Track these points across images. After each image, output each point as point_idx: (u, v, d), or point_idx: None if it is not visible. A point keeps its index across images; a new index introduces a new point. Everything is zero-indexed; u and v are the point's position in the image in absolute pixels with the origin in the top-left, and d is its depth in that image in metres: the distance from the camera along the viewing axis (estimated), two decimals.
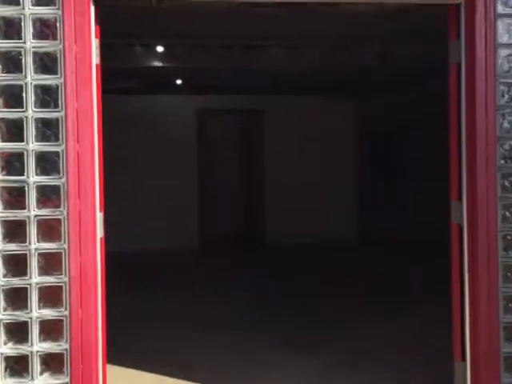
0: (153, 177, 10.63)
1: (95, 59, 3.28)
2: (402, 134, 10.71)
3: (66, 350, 3.14)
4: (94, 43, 3.28)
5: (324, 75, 9.31)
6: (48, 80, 3.16)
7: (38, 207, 3.16)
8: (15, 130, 3.14)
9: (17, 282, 3.13)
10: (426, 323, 6.01)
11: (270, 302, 7.02)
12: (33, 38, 3.15)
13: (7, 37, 3.12)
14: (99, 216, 3.29)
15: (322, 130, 11.05)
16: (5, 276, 3.12)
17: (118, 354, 4.49)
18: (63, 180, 3.16)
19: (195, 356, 5.17)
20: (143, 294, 7.38)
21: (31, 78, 3.14)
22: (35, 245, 3.14)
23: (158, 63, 8.04)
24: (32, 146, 3.14)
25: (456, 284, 3.59)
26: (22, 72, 3.13)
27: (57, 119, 3.16)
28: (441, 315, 5.44)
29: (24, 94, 3.13)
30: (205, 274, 8.88)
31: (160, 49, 7.53)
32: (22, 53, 3.13)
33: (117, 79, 9.04)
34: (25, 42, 3.12)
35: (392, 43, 7.69)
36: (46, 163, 3.16)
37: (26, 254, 3.13)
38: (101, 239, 3.31)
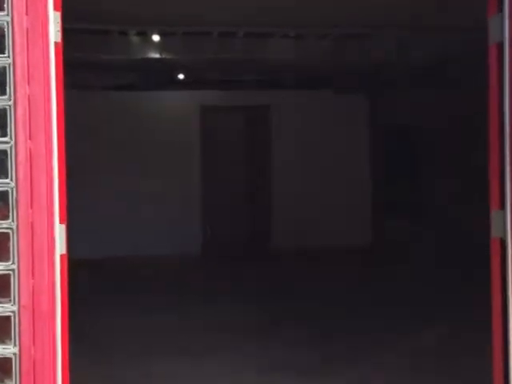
0: (153, 177, 10.04)
1: (54, 36, 2.66)
2: (420, 131, 10.06)
3: None
4: (53, 17, 2.65)
5: (335, 67, 8.69)
6: None
7: None
8: None
9: None
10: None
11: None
12: None
13: None
14: (59, 229, 2.67)
15: (333, 127, 10.42)
16: None
17: None
18: (12, 185, 2.55)
19: None
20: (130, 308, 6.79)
21: None
22: None
23: (155, 54, 7.44)
24: None
25: (497, 310, 2.95)
26: None
27: (4, 109, 2.55)
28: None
29: None
30: (204, 287, 8.24)
31: (156, 37, 6.92)
32: None
33: (112, 73, 8.46)
34: None
35: (411, 31, 7.05)
36: None
37: None
38: (62, 257, 2.70)
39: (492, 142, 2.98)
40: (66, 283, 2.72)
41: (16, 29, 2.53)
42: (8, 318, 2.55)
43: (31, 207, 2.56)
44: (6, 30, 2.55)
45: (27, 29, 2.55)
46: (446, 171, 9.70)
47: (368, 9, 6.15)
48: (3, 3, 2.55)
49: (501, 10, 2.94)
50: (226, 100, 10.28)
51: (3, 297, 2.55)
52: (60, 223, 2.69)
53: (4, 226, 2.56)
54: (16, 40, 2.54)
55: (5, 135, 2.55)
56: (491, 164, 2.99)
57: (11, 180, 2.55)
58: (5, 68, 2.54)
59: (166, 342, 5.52)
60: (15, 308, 2.54)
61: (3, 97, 2.54)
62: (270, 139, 10.43)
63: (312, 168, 10.39)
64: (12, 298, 2.55)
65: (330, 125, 10.42)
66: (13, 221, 2.56)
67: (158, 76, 9.48)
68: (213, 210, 11.53)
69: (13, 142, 2.55)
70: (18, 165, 2.55)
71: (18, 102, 2.54)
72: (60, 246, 2.69)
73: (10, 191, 2.56)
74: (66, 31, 2.77)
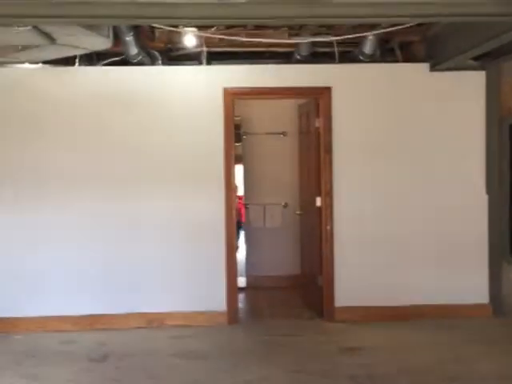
0: (156, 196, 6.66)
1: None
2: None
3: None
4: None
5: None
6: None
7: None
8: None
9: None
10: None
11: None
12: None
13: None
14: None
15: (430, 118, 6.78)
16: None
17: None
18: None
19: None
20: None
21: None
22: None
23: None
24: None
25: None
26: None
27: None
28: None
29: None
30: None
31: None
32: None
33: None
34: None
35: None
36: None
37: None
38: None
39: None
40: None
41: None
42: None
43: None
44: None
45: None
46: None
47: None
48: None
49: None
50: (265, 81, 6.76)
51: None
52: None
53: None
54: None
55: None
56: None
57: None
58: None
59: None
60: None
61: None
62: (332, 136, 6.82)
63: (394, 176, 6.79)
64: None
65: (425, 115, 6.80)
66: None
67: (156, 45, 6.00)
68: (247, 244, 8.19)
69: None
70: None
71: None
72: None
73: None
74: None
